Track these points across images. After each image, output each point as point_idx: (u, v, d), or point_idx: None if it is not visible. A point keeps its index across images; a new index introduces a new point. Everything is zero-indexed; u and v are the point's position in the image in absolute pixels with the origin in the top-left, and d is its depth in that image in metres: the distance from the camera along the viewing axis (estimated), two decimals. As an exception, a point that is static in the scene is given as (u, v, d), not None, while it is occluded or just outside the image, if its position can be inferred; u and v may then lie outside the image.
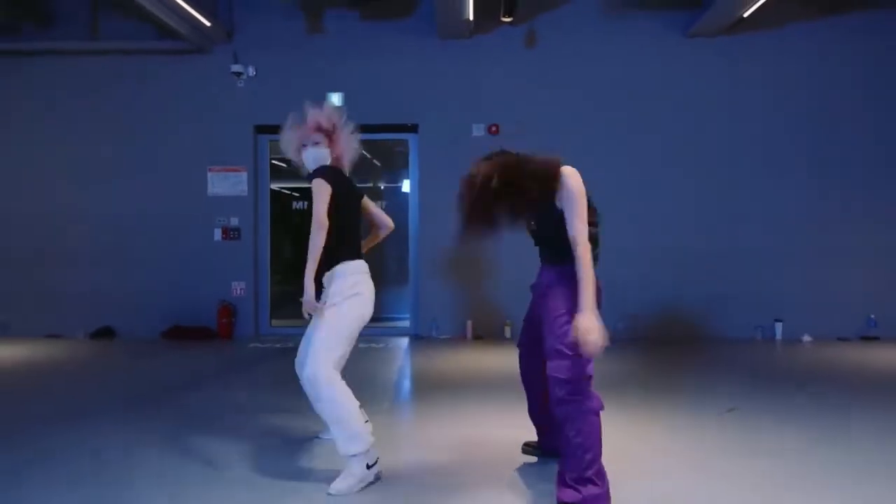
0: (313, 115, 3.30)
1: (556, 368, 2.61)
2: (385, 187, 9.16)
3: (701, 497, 2.81)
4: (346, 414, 2.94)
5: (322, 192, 3.06)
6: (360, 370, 5.77)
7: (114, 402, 4.58)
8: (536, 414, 3.23)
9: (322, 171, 3.16)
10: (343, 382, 3.01)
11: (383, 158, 8.97)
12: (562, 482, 2.63)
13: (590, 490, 2.57)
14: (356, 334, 3.13)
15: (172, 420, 4.06)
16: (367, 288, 3.19)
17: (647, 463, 3.23)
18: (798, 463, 3.24)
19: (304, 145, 3.33)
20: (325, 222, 3.02)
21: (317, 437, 3.64)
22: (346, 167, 3.43)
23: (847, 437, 3.70)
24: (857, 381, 5.23)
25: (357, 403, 3.01)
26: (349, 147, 3.40)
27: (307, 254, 3.01)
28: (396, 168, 9.07)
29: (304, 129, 3.32)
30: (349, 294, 3.10)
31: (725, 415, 4.14)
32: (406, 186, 9.12)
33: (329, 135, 3.32)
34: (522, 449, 3.33)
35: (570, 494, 2.58)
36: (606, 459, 2.68)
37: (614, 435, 3.36)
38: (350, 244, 3.21)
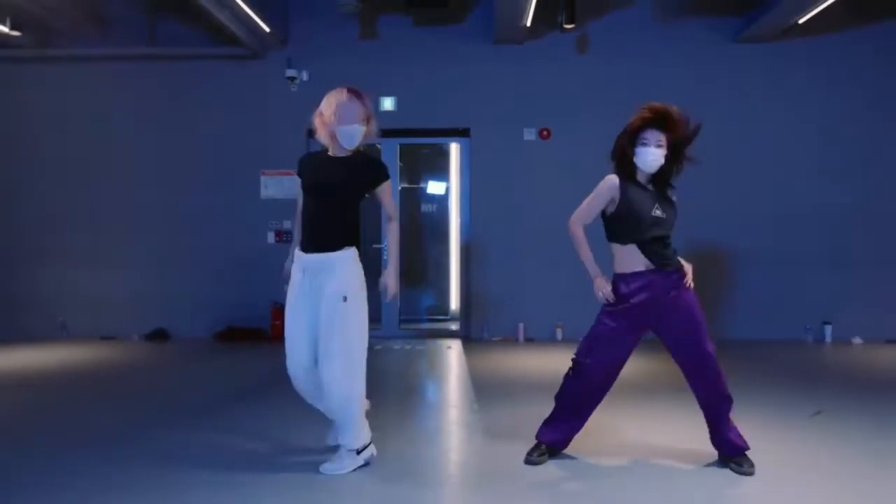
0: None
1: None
2: (403, 188, 9.12)
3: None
4: (360, 410, 3.19)
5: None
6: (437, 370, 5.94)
7: (161, 411, 4.66)
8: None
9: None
10: None
11: (404, 159, 8.95)
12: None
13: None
14: None
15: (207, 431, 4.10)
16: None
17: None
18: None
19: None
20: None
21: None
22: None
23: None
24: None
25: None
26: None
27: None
28: (418, 169, 9.14)
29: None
30: (362, 286, 3.25)
31: (813, 418, 4.23)
32: (431, 188, 9.17)
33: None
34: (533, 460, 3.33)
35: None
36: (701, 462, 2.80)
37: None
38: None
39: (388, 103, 7.71)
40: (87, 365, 6.28)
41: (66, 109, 7.86)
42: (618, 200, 3.19)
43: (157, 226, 7.84)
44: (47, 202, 7.87)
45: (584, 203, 3.29)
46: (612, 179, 3.22)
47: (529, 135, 7.69)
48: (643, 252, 3.14)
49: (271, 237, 7.80)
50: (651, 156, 3.13)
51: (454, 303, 8.78)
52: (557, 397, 3.35)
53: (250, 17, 6.71)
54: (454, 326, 8.34)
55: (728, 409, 3.23)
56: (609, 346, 3.21)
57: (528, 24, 6.87)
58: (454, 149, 8.47)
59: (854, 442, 3.71)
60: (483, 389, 5.18)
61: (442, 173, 9.07)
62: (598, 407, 3.42)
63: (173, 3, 7.04)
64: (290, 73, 7.60)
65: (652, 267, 3.16)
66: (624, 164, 3.23)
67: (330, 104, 3.21)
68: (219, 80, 7.78)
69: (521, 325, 7.56)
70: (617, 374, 3.29)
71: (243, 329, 7.67)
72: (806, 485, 3.04)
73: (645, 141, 3.15)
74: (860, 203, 7.53)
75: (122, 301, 7.81)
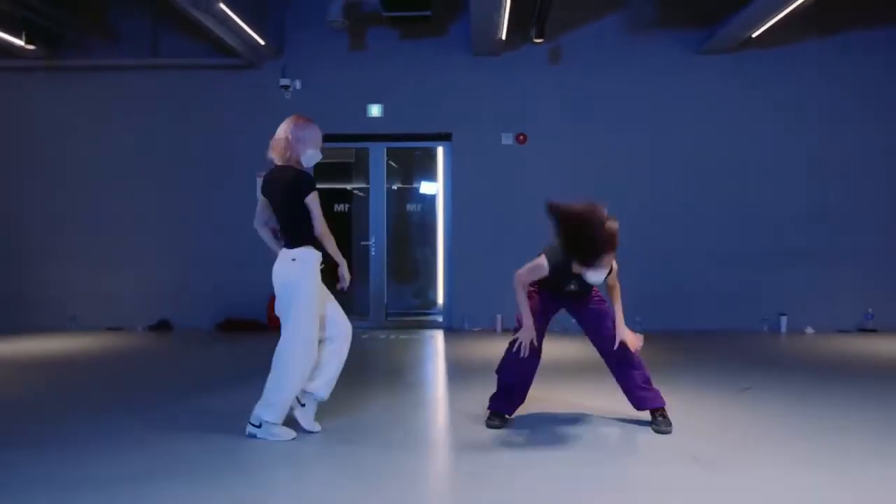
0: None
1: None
2: (398, 188, 9.72)
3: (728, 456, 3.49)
4: None
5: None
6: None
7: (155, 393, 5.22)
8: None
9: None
10: None
11: (398, 160, 9.59)
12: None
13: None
14: None
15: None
16: None
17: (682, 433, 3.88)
18: (796, 426, 3.92)
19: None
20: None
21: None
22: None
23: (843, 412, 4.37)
24: (857, 369, 5.90)
25: None
26: None
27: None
28: (410, 170, 9.73)
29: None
30: None
31: (741, 393, 4.80)
32: (424, 188, 9.75)
33: None
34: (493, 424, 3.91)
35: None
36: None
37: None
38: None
39: (375, 110, 8.28)
40: (93, 351, 6.84)
41: (74, 116, 8.44)
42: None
43: (160, 224, 8.41)
44: (56, 204, 8.44)
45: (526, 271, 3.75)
46: (544, 264, 3.70)
47: (507, 139, 8.26)
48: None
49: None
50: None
51: (441, 297, 9.33)
52: (497, 371, 3.95)
53: (246, 31, 7.26)
54: (439, 318, 8.89)
55: (640, 378, 3.84)
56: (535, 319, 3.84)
57: (503, 37, 7.44)
58: (440, 152, 9.03)
59: (767, 411, 4.28)
60: (457, 371, 5.75)
61: (433, 174, 9.62)
62: (549, 383, 3.99)
63: (175, 17, 7.57)
64: (284, 81, 8.12)
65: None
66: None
67: (314, 132, 3.74)
68: (217, 88, 8.35)
69: (499, 317, 8.12)
70: (541, 340, 3.87)
71: (241, 320, 8.23)
72: (711, 441, 3.61)
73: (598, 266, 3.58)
74: (814, 203, 8.11)
75: (127, 295, 8.38)
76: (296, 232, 3.68)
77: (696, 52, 8.14)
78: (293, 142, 3.69)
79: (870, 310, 8.00)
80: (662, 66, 8.17)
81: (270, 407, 3.62)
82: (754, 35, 7.45)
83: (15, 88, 8.48)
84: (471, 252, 8.27)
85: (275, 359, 3.67)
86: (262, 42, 7.64)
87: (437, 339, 7.71)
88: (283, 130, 3.74)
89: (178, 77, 8.35)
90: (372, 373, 5.80)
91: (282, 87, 8.16)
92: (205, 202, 8.37)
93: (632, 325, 7.78)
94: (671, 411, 3.93)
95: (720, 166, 8.18)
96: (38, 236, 8.44)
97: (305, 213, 3.65)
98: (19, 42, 7.50)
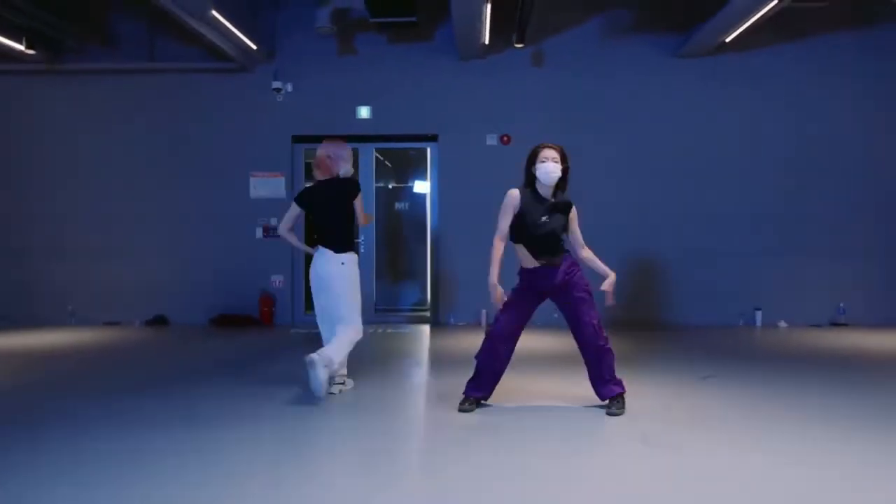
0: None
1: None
2: (393, 187, 10.01)
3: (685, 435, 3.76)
4: None
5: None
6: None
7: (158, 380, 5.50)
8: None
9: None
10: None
11: (394, 160, 9.87)
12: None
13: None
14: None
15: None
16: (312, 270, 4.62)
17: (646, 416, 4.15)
18: (751, 409, 4.20)
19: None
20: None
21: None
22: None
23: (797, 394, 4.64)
24: (825, 361, 6.17)
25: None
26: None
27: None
28: (407, 170, 10.03)
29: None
30: None
31: (705, 380, 5.08)
32: (417, 187, 10.04)
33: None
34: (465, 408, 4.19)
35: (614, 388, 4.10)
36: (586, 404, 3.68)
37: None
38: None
39: (363, 112, 8.56)
40: (91, 344, 7.12)
41: (74, 118, 8.72)
42: (518, 210, 4.03)
43: (157, 222, 8.68)
44: (57, 203, 8.71)
45: (498, 219, 4.13)
46: (513, 192, 4.04)
47: (491, 140, 8.54)
48: (530, 251, 4.04)
49: (259, 232, 8.63)
50: (550, 169, 3.97)
51: (429, 293, 9.60)
52: (476, 356, 4.20)
53: (238, 36, 7.53)
54: (426, 313, 9.16)
55: (608, 371, 4.09)
56: (513, 311, 4.12)
57: (486, 42, 7.72)
58: (430, 152, 9.30)
59: (727, 398, 4.56)
60: (439, 361, 6.04)
61: (425, 175, 9.89)
62: (516, 371, 4.26)
63: (170, 23, 7.82)
64: (276, 84, 8.41)
65: (538, 264, 4.07)
66: (528, 180, 4.09)
67: (348, 150, 4.68)
68: (212, 91, 8.63)
69: (483, 312, 8.40)
70: (518, 333, 4.16)
71: (235, 315, 8.49)
72: (665, 424, 3.89)
73: (543, 159, 3.97)
74: (788, 203, 8.39)
75: (125, 291, 8.65)
76: (346, 238, 4.58)
77: (673, 56, 8.41)
78: (336, 159, 4.60)
79: (842, 304, 8.28)
80: (642, 69, 8.45)
81: (333, 361, 4.29)
82: (727, 40, 7.72)
83: (16, 92, 8.77)
84: (456, 249, 8.54)
85: (339, 329, 4.47)
86: (254, 47, 7.91)
87: (424, 333, 7.98)
88: (325, 151, 4.60)
89: (175, 80, 8.62)
90: (359, 363, 6.07)
91: (274, 89, 8.45)
92: (200, 201, 8.63)
93: (613, 318, 8.04)
94: (634, 397, 4.23)
95: (698, 166, 8.45)
96: (39, 234, 8.71)
97: (352, 221, 4.61)
98: (20, 47, 7.78)
